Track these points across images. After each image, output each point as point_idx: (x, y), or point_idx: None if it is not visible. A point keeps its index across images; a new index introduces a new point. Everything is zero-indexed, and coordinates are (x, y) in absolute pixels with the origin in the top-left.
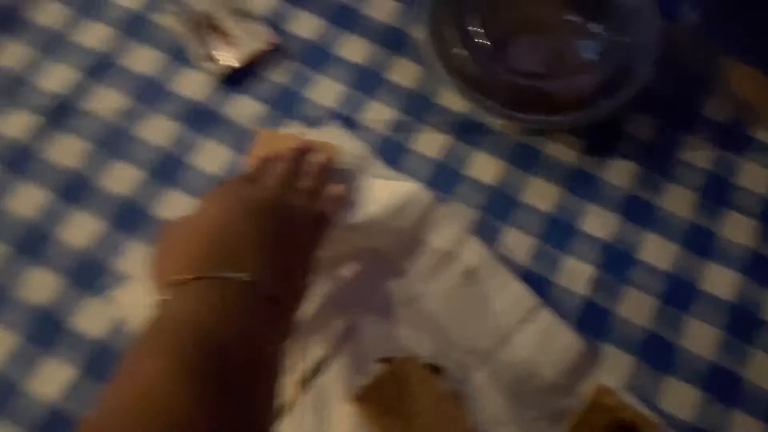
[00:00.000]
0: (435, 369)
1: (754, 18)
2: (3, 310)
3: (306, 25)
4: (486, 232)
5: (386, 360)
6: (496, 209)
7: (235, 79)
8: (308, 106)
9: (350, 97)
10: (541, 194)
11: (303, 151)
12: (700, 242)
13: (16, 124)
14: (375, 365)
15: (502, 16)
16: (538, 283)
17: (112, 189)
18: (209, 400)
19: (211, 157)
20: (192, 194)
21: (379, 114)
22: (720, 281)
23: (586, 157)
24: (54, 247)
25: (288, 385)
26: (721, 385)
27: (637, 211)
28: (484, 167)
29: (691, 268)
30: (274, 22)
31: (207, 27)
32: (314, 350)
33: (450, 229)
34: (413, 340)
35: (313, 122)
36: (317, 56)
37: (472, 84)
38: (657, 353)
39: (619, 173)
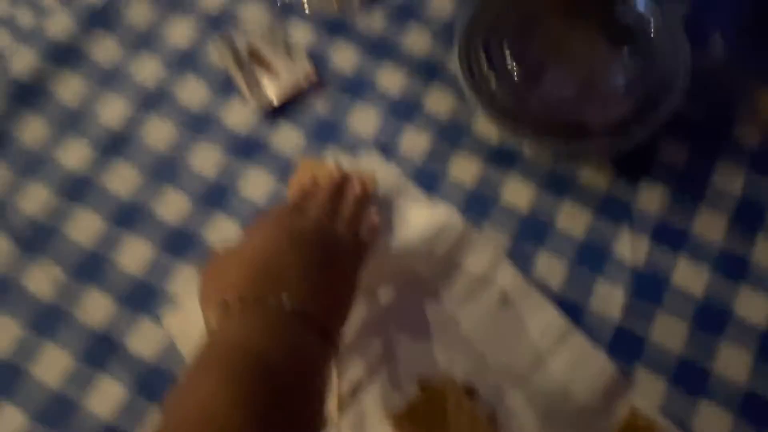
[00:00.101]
0: (470, 391)
1: None
2: (61, 331)
3: (345, 58)
4: (519, 257)
5: (423, 382)
6: (530, 235)
7: (278, 110)
8: (347, 135)
9: (387, 126)
10: (573, 220)
11: (343, 180)
12: (732, 267)
13: (74, 155)
14: (412, 387)
15: (532, 45)
16: (571, 307)
17: (163, 216)
18: (260, 419)
19: (256, 185)
20: (238, 220)
21: (415, 142)
22: (753, 306)
23: (617, 183)
24: (109, 271)
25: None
26: (754, 410)
27: (669, 236)
28: (518, 194)
29: (724, 293)
30: (315, 55)
31: (252, 61)
32: (352, 372)
33: (484, 254)
34: (449, 363)
35: (352, 151)
36: (356, 87)
37: (504, 113)
38: (690, 377)
39: (650, 198)
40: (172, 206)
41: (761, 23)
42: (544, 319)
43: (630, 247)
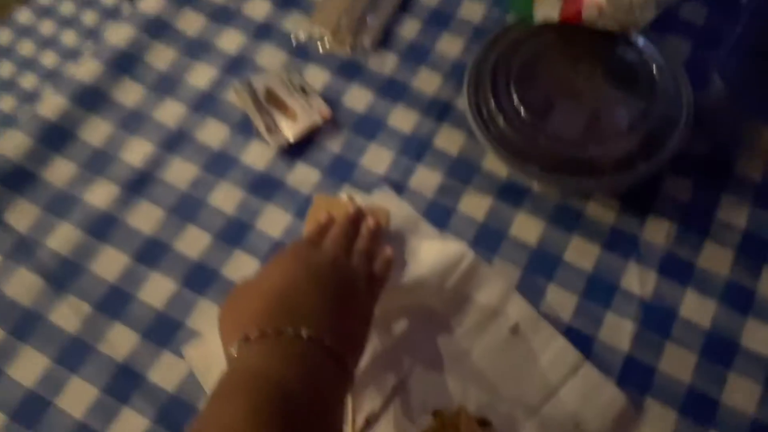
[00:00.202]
0: (483, 422)
1: None
2: (86, 363)
3: (358, 99)
4: (529, 289)
5: (437, 413)
6: (539, 268)
7: (294, 149)
8: (361, 172)
9: (399, 163)
10: (582, 253)
11: (357, 216)
12: (739, 299)
13: (100, 194)
14: (426, 418)
15: (538, 85)
16: (580, 339)
17: (185, 252)
18: None
19: (274, 222)
20: (257, 256)
21: (426, 179)
22: (760, 337)
23: (624, 217)
24: (132, 306)
25: None
26: None
27: (676, 269)
28: (527, 228)
29: (731, 324)
30: (329, 96)
31: (269, 102)
32: (366, 404)
33: (495, 287)
34: (462, 394)
35: (365, 188)
36: (369, 126)
37: (512, 151)
38: (699, 408)
39: (657, 232)
40: (193, 242)
41: (761, 61)
42: (554, 351)
43: (638, 280)
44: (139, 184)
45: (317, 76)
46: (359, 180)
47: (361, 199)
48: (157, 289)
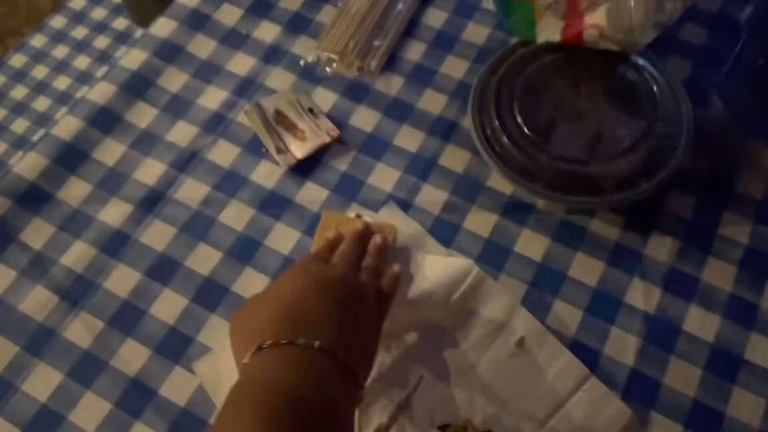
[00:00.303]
0: None
1: None
2: (99, 378)
3: (365, 119)
4: (535, 305)
5: (444, 427)
6: (544, 284)
7: (303, 169)
8: (368, 190)
9: (406, 182)
10: (586, 269)
11: (365, 233)
12: (742, 314)
13: (113, 213)
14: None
15: (541, 105)
16: (586, 353)
17: (196, 269)
18: None
19: (283, 239)
20: (266, 273)
21: (432, 197)
22: (764, 351)
23: (628, 234)
24: (144, 322)
25: None
26: None
27: (679, 284)
28: (532, 244)
29: (735, 339)
30: (336, 117)
31: (278, 123)
32: (374, 418)
33: (501, 301)
34: (468, 407)
35: (373, 205)
36: (376, 146)
37: (516, 169)
38: (704, 422)
39: (660, 248)
40: (205, 260)
41: (760, 81)
42: (560, 364)
43: (642, 295)
44: (151, 203)
45: (325, 98)
46: (367, 198)
47: (369, 217)
48: (169, 306)
